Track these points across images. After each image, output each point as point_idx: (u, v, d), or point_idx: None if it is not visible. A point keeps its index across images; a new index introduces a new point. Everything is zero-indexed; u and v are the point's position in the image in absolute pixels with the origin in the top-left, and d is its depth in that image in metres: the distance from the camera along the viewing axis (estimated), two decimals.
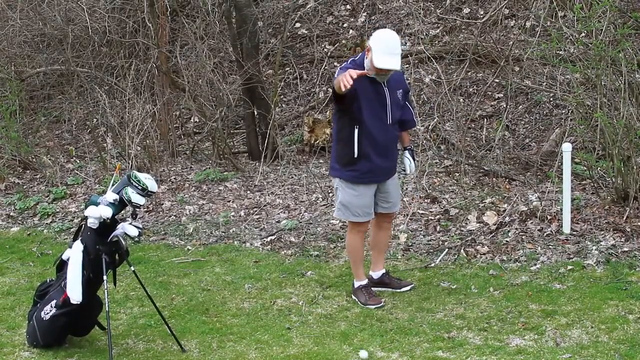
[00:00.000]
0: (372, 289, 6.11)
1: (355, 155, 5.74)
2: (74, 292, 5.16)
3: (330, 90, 9.79)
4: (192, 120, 10.29)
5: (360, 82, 5.54)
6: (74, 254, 5.22)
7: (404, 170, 6.30)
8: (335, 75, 5.77)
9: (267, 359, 5.29)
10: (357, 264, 6.14)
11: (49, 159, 9.53)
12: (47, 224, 8.26)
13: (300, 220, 7.72)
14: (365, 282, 6.11)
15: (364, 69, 5.61)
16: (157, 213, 8.25)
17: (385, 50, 5.57)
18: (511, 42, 9.12)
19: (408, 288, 6.19)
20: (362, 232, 6.10)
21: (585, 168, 7.69)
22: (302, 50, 10.73)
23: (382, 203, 6.01)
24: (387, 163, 5.92)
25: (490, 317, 5.71)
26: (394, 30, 10.52)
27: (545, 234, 6.94)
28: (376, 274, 6.26)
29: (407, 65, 9.56)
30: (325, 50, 10.53)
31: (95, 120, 10.13)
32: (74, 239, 5.35)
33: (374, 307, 5.93)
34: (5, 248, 7.67)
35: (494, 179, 8.00)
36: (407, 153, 6.14)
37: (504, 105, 8.89)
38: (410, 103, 6.12)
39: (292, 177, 8.65)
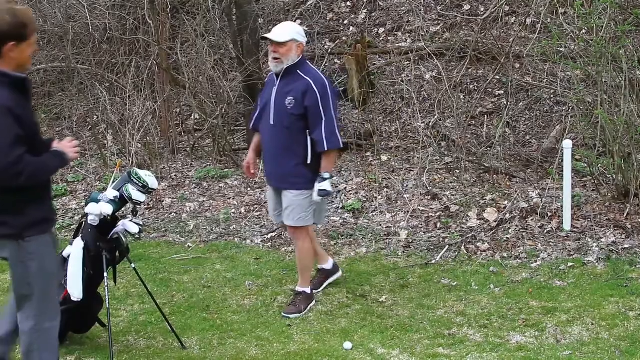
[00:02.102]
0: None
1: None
2: (75, 289, 5.16)
3: None
4: (192, 117, 10.29)
5: (269, 78, 5.82)
6: (75, 251, 5.22)
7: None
8: (266, 80, 5.98)
9: (267, 355, 5.29)
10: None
11: None
12: None
13: None
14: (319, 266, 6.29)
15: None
16: (157, 210, 8.25)
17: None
18: (512, 39, 9.11)
19: (284, 313, 5.92)
20: (290, 235, 6.21)
21: (585, 165, 7.70)
22: None
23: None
24: (272, 168, 5.79)
25: (490, 314, 5.71)
26: (394, 26, 10.55)
27: (545, 231, 6.95)
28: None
29: (408, 62, 9.57)
30: (325, 47, 10.53)
31: (95, 117, 10.13)
32: (75, 236, 5.34)
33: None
34: None
35: (494, 175, 8.00)
36: (317, 179, 5.59)
37: (505, 102, 8.89)
38: (326, 121, 5.54)
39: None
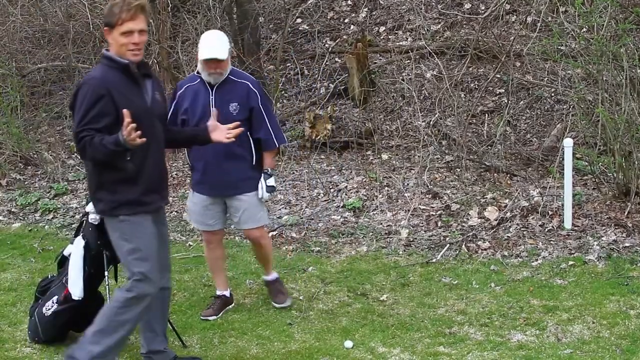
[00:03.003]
0: (222, 302, 5.98)
1: (191, 163, 5.78)
2: (75, 288, 5.17)
3: (331, 85, 9.81)
4: None
5: (189, 89, 5.58)
6: (76, 250, 5.22)
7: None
8: (179, 86, 5.73)
9: (268, 354, 5.29)
10: (212, 273, 6.14)
11: (50, 155, 9.53)
12: (48, 219, 8.26)
13: (302, 216, 7.73)
14: (218, 292, 6.01)
15: (197, 81, 5.61)
16: None
17: (204, 44, 5.52)
18: (512, 38, 9.11)
19: (277, 305, 5.96)
20: (207, 242, 5.93)
21: (586, 163, 7.69)
22: (303, 46, 10.73)
23: (231, 218, 5.85)
24: (216, 177, 5.62)
25: (491, 313, 5.71)
26: (394, 25, 10.55)
27: (546, 230, 6.94)
28: (263, 277, 6.15)
29: (409, 61, 9.57)
30: (326, 45, 10.53)
31: None
32: (76, 235, 5.35)
33: (201, 317, 5.87)
34: (7, 244, 7.67)
35: (495, 174, 8.00)
36: (261, 177, 5.69)
37: (505, 101, 8.89)
38: (270, 120, 5.68)
39: (293, 173, 8.65)
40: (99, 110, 4.36)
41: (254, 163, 5.68)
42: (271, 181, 5.72)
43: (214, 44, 5.50)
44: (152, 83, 4.68)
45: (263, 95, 5.70)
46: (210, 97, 5.54)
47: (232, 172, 5.62)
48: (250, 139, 5.64)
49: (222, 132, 4.86)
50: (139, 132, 4.26)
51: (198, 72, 5.63)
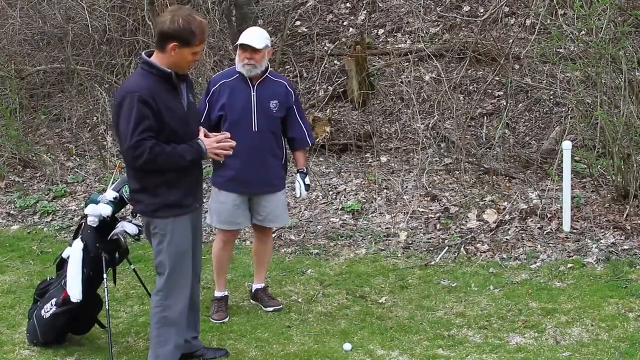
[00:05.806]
0: (226, 302, 6.00)
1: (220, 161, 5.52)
2: (74, 290, 5.16)
3: (330, 88, 9.81)
4: None
5: (226, 85, 5.64)
6: (74, 252, 5.22)
7: (295, 193, 6.04)
8: (213, 81, 5.76)
9: (267, 357, 5.29)
10: (216, 273, 6.04)
11: (49, 157, 9.52)
12: (47, 222, 8.25)
13: (300, 218, 7.72)
14: (221, 294, 5.99)
15: (234, 77, 5.68)
16: None
17: (244, 33, 5.65)
18: (511, 40, 9.11)
19: (271, 309, 5.96)
20: (226, 242, 5.92)
21: (585, 166, 7.70)
22: (302, 48, 10.72)
23: (255, 214, 5.84)
24: (253, 174, 5.66)
25: (490, 315, 5.71)
26: (393, 27, 10.55)
27: (545, 232, 6.95)
28: (253, 286, 6.16)
29: (408, 64, 9.57)
30: (325, 48, 10.53)
31: (95, 118, 10.13)
32: (74, 237, 5.35)
33: (215, 321, 5.84)
34: (5, 246, 7.67)
35: (494, 177, 8.00)
36: (298, 176, 5.87)
37: (504, 103, 8.89)
38: (302, 120, 5.86)
39: (292, 175, 8.63)
40: (149, 118, 4.41)
41: (283, 162, 5.86)
42: (307, 180, 5.89)
43: (253, 33, 5.65)
44: (185, 86, 4.71)
45: (297, 96, 5.89)
46: (252, 92, 5.63)
47: (269, 170, 5.74)
48: (283, 139, 5.81)
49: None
50: (228, 150, 4.71)
51: (238, 70, 5.69)
